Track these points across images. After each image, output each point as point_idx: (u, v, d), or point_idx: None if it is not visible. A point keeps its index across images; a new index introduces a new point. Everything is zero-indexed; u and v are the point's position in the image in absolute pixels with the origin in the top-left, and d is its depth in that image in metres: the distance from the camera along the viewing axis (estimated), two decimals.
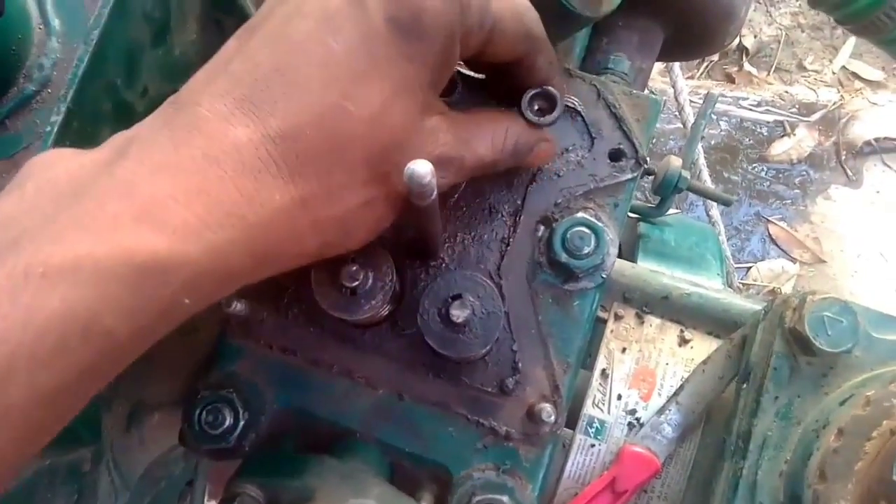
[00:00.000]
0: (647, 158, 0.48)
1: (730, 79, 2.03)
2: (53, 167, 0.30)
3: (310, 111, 0.32)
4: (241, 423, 0.45)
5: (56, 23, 0.42)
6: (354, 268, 0.41)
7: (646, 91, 0.57)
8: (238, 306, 0.44)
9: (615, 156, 0.49)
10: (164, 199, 0.29)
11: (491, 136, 0.41)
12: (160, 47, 0.43)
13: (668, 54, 0.64)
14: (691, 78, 2.00)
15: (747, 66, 2.05)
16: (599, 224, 0.46)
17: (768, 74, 2.04)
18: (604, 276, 0.47)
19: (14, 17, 0.41)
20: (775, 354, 0.52)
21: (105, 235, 0.27)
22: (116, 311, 0.27)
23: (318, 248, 0.36)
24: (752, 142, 1.92)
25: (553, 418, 0.42)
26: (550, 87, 0.42)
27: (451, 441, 0.46)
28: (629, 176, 0.49)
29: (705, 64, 2.05)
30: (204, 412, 0.45)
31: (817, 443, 0.50)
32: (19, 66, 0.41)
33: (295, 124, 0.32)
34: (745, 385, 0.55)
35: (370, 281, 0.42)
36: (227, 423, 0.45)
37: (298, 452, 0.46)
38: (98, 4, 0.39)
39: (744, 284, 1.72)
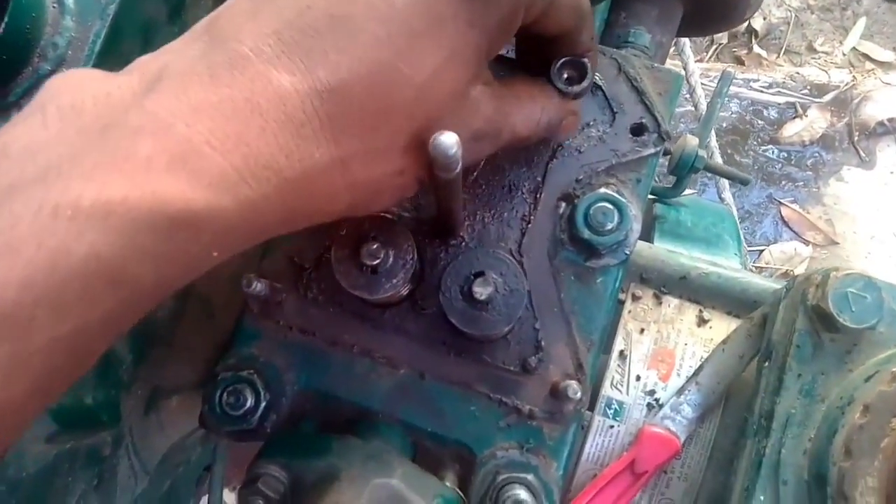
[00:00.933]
0: (670, 133, 0.47)
1: (739, 61, 2.01)
2: (78, 91, 0.28)
3: (361, 67, 0.30)
4: (263, 403, 0.45)
5: (70, 1, 0.41)
6: (375, 246, 0.41)
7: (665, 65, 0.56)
8: (258, 286, 0.44)
9: (637, 130, 0.48)
10: (200, 144, 0.27)
11: (528, 112, 0.40)
12: (176, 24, 0.42)
13: (687, 28, 0.63)
14: (700, 61, 1.98)
15: (757, 49, 2.03)
16: (623, 199, 0.46)
17: (778, 56, 2.02)
18: (627, 252, 0.46)
19: None
20: (798, 332, 0.52)
21: (138, 180, 0.26)
22: (144, 260, 0.26)
23: (346, 207, 0.34)
24: (763, 124, 1.90)
25: (579, 395, 0.42)
26: (582, 58, 0.41)
27: (473, 420, 0.46)
28: (652, 150, 0.48)
29: (714, 46, 2.03)
30: (225, 394, 0.45)
31: (842, 420, 0.49)
32: (34, 46, 0.41)
33: (345, 80, 0.30)
34: (767, 363, 0.54)
35: (391, 259, 0.41)
36: (249, 404, 0.44)
37: (319, 433, 0.46)
38: None
39: (756, 267, 1.71)
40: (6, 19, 0.38)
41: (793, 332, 0.52)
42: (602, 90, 0.49)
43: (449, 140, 0.31)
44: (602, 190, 0.46)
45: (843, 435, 0.48)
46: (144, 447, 0.52)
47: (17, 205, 0.25)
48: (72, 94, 0.28)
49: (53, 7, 0.41)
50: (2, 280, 0.24)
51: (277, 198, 0.30)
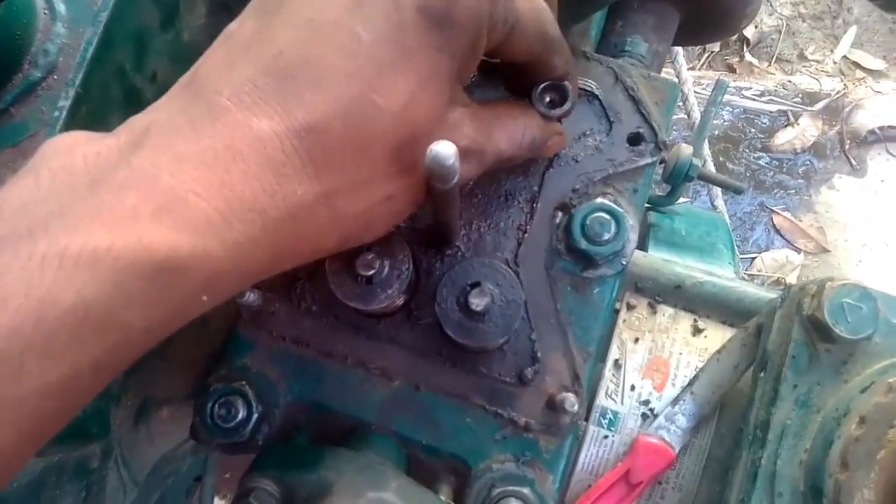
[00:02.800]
0: (667, 142, 0.47)
1: (731, 69, 2.02)
2: (69, 153, 0.29)
3: (336, 104, 0.31)
4: (255, 415, 0.44)
5: (61, 8, 0.41)
6: (370, 256, 0.40)
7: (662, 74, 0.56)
8: (251, 297, 0.43)
9: (634, 140, 0.48)
10: (184, 192, 0.28)
11: (509, 132, 0.40)
12: (169, 31, 0.42)
13: (683, 38, 0.63)
14: (692, 69, 1.99)
15: (748, 57, 2.04)
16: (619, 209, 0.45)
17: (769, 65, 2.03)
18: (624, 262, 0.46)
19: (18, 2, 0.40)
20: (794, 342, 0.52)
21: (124, 229, 0.27)
22: (133, 306, 0.27)
23: (337, 242, 0.35)
24: (755, 132, 1.91)
25: (576, 408, 0.41)
26: (562, 81, 0.42)
27: (468, 432, 0.45)
28: (649, 160, 0.48)
29: (706, 54, 2.04)
30: (216, 405, 0.44)
31: (838, 431, 0.49)
32: (24, 52, 0.40)
33: (321, 118, 0.31)
34: (762, 373, 0.54)
35: (386, 269, 0.41)
36: (241, 416, 0.44)
37: (313, 445, 0.45)
38: None
39: (748, 275, 1.71)
40: None
41: (788, 343, 0.52)
42: (599, 99, 0.48)
43: (447, 150, 0.31)
44: (599, 200, 0.46)
45: (839, 446, 0.48)
46: (134, 458, 0.51)
47: (5, 257, 0.25)
48: (63, 156, 0.29)
49: (45, 13, 0.41)
50: None
51: (264, 238, 0.30)
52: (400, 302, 0.45)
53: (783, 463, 0.50)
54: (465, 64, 0.36)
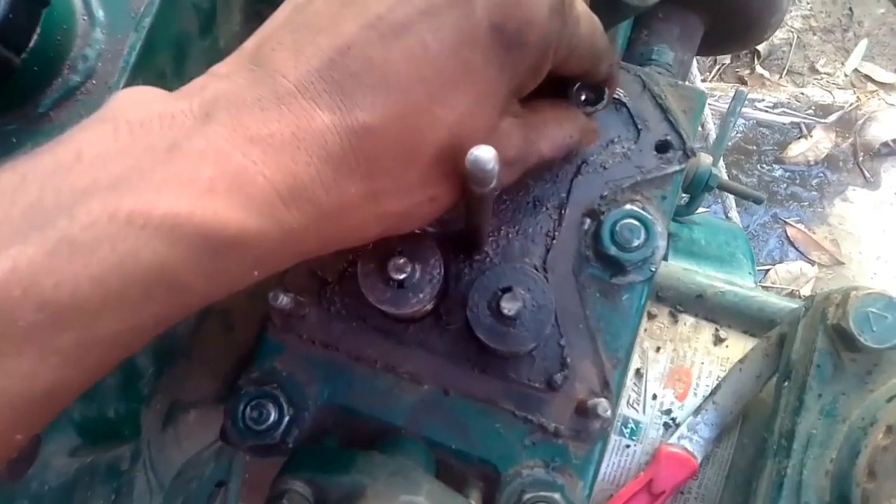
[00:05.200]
0: (695, 150, 0.47)
1: (742, 81, 2.03)
2: (146, 109, 0.30)
3: (395, 109, 0.32)
4: (286, 418, 0.44)
5: (100, 14, 0.41)
6: (402, 260, 0.41)
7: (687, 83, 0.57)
8: (283, 300, 0.43)
9: (662, 147, 0.48)
10: (255, 173, 0.29)
11: (553, 138, 0.41)
12: (207, 38, 0.43)
13: (707, 47, 0.64)
14: (704, 81, 1.99)
15: (759, 69, 2.04)
16: (649, 216, 0.45)
17: (780, 77, 2.03)
18: (653, 269, 0.46)
19: (58, 8, 0.40)
20: (818, 351, 0.52)
21: (203, 201, 0.28)
22: (199, 273, 0.29)
23: (378, 233, 0.36)
24: (768, 144, 1.91)
25: (609, 413, 0.41)
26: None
27: (498, 438, 0.45)
28: (677, 168, 0.48)
29: (717, 66, 2.04)
30: (248, 408, 0.44)
31: (865, 440, 0.49)
32: (64, 57, 0.41)
33: (380, 121, 0.31)
34: (786, 383, 0.54)
35: (417, 274, 0.41)
36: (272, 418, 0.44)
37: (342, 449, 0.45)
38: None
39: (762, 286, 1.71)
40: (38, 32, 0.39)
41: (813, 352, 0.52)
42: (627, 107, 0.49)
43: (486, 154, 0.31)
44: (628, 206, 0.46)
45: (866, 456, 0.48)
46: (161, 462, 0.52)
47: (94, 207, 0.27)
48: (140, 111, 0.30)
49: (84, 20, 0.42)
50: (77, 273, 0.26)
51: (314, 227, 0.32)
52: (429, 307, 0.45)
53: (809, 473, 0.50)
54: (526, 82, 0.37)
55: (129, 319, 0.28)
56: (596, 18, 0.39)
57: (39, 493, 0.37)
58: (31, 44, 0.38)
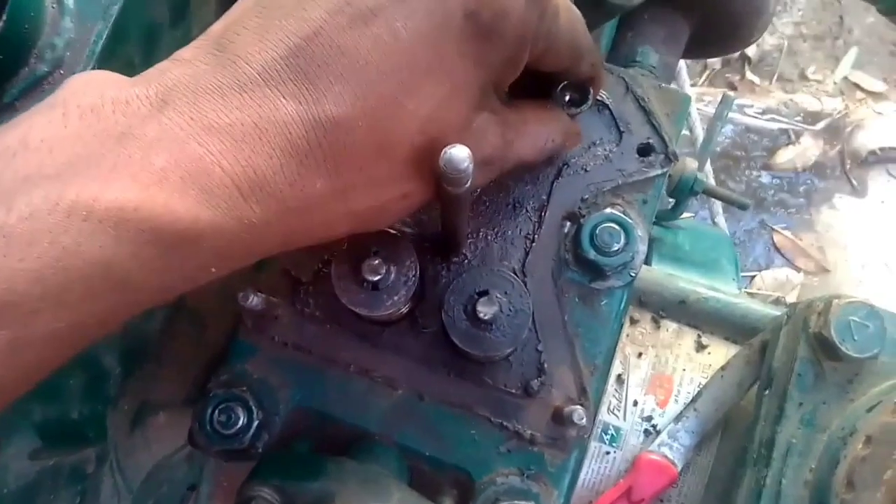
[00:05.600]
0: (678, 154, 0.47)
1: (732, 87, 2.03)
2: (98, 94, 0.28)
3: (365, 101, 0.30)
4: (255, 422, 0.43)
5: (69, 2, 0.40)
6: (377, 261, 0.40)
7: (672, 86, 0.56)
8: (254, 300, 0.42)
9: (644, 150, 0.48)
10: (212, 164, 0.28)
11: (534, 139, 0.40)
12: (179, 27, 0.42)
13: (693, 50, 0.63)
14: (693, 85, 1.99)
15: (749, 75, 2.04)
16: (629, 220, 0.45)
17: (770, 83, 2.04)
18: (633, 274, 0.46)
19: None
20: (800, 360, 0.51)
21: (152, 192, 0.26)
22: (148, 269, 0.27)
23: (347, 230, 0.35)
24: (756, 150, 1.91)
25: (585, 421, 0.41)
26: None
27: (473, 444, 0.44)
28: (658, 171, 0.47)
29: (707, 71, 2.04)
30: (216, 411, 0.43)
31: (844, 450, 0.48)
32: (31, 46, 0.40)
33: (348, 112, 0.30)
34: (767, 391, 0.54)
35: (393, 275, 0.40)
36: (241, 422, 0.43)
37: (313, 454, 0.44)
38: None
39: (748, 293, 1.71)
40: (4, 18, 0.37)
41: (794, 360, 0.51)
42: (609, 109, 0.48)
43: (460, 154, 0.30)
44: (608, 210, 0.46)
45: (845, 466, 0.48)
46: (129, 465, 0.50)
47: (34, 197, 0.25)
48: (92, 96, 0.28)
49: (52, 7, 0.40)
50: (12, 268, 0.25)
51: (277, 223, 0.30)
52: (405, 310, 0.44)
53: (788, 482, 0.50)
54: (502, 75, 0.35)
55: (70, 318, 0.26)
56: (577, 12, 0.38)
57: None
58: None
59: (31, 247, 0.25)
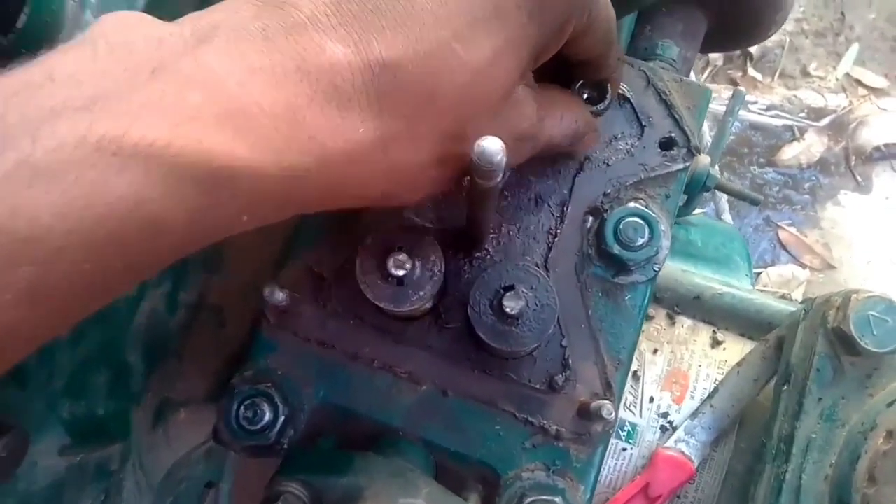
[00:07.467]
0: (700, 148, 0.47)
1: (734, 83, 2.03)
2: (131, 30, 0.27)
3: (418, 46, 0.29)
4: (282, 418, 0.43)
5: None
6: (402, 256, 0.40)
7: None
8: (279, 296, 0.42)
9: (666, 144, 0.47)
10: (250, 104, 0.26)
11: (562, 119, 0.39)
12: None
13: (711, 44, 0.63)
14: None
15: (752, 72, 2.04)
16: (653, 214, 0.45)
17: (772, 80, 2.04)
18: (656, 269, 0.45)
19: None
20: (818, 355, 0.51)
21: (186, 128, 0.25)
22: (179, 210, 0.26)
23: (380, 195, 0.34)
24: (761, 146, 1.91)
25: (613, 415, 0.41)
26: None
27: (498, 440, 0.44)
28: (681, 165, 0.47)
29: (710, 68, 2.04)
30: (242, 407, 0.43)
31: (865, 445, 0.48)
32: (53, 40, 0.39)
33: (399, 57, 0.29)
34: (785, 387, 0.53)
35: (418, 270, 0.40)
36: (267, 418, 0.43)
37: (338, 450, 0.44)
38: None
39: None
40: (26, 13, 0.37)
41: (812, 356, 0.51)
42: (631, 103, 0.48)
43: (494, 146, 0.30)
44: (632, 204, 0.46)
45: (866, 461, 0.48)
46: (150, 462, 0.50)
47: (61, 129, 0.23)
48: (124, 32, 0.27)
49: (73, 1, 0.40)
50: (37, 202, 0.23)
51: (317, 172, 0.29)
52: (429, 305, 0.44)
53: (808, 477, 0.50)
54: (548, 41, 0.35)
55: (97, 259, 0.24)
56: (611, 4, 0.38)
57: (28, 492, 0.36)
58: (19, 24, 0.37)
59: (57, 181, 0.23)
